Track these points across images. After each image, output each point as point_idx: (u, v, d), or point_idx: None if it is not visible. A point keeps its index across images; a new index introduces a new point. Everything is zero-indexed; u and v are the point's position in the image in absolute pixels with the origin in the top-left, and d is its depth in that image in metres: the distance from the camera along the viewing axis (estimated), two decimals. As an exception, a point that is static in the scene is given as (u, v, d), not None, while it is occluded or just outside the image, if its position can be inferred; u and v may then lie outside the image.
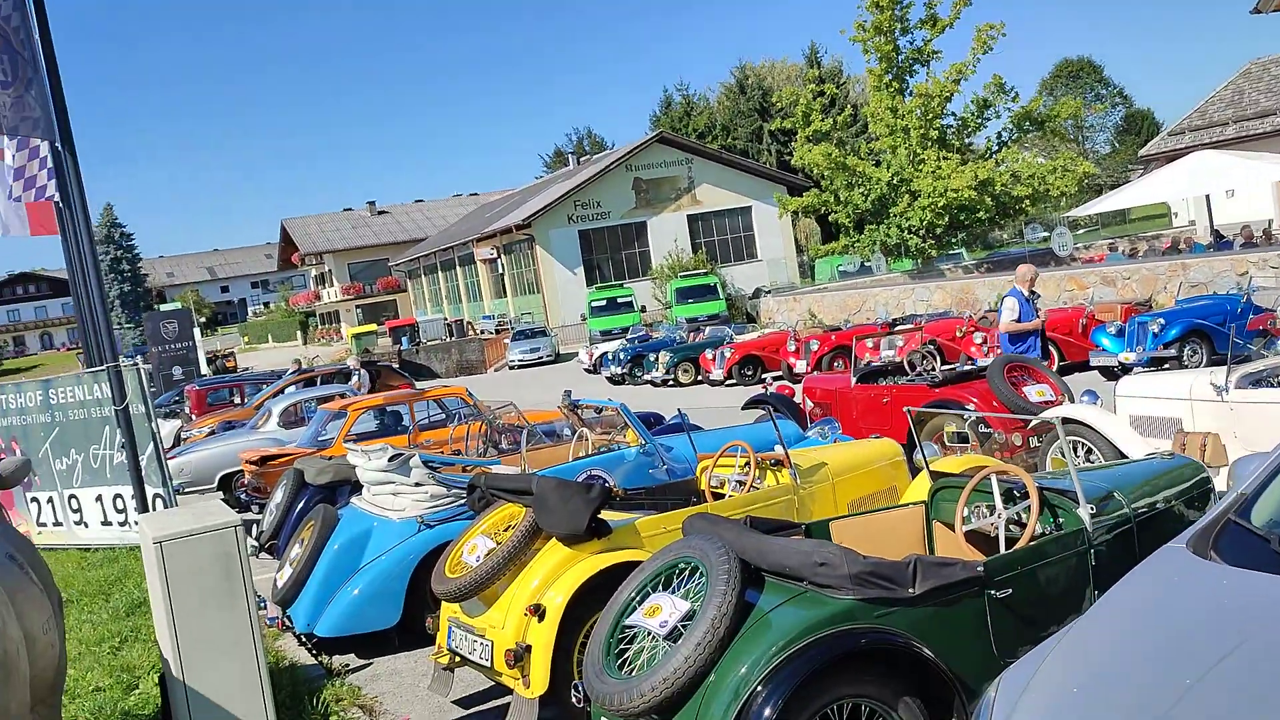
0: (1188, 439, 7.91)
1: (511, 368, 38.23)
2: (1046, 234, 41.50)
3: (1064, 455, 4.97)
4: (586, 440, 8.67)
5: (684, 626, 3.90)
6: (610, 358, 27.65)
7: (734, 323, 33.73)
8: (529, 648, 5.18)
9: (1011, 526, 4.56)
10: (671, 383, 24.42)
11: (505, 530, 5.78)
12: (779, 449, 6.27)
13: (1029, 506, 4.45)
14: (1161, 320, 15.65)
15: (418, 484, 7.37)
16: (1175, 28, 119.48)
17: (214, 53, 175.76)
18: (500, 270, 49.74)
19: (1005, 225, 34.79)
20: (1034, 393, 9.42)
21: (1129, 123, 79.77)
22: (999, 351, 10.68)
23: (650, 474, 8.06)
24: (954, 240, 32.18)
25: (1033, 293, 10.53)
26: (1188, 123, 32.45)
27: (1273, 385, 7.66)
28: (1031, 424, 8.52)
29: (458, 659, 5.76)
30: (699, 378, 24.18)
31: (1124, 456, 7.93)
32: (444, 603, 5.89)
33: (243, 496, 13.05)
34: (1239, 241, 25.34)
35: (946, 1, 30.58)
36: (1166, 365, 15.37)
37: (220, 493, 14.77)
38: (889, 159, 31.13)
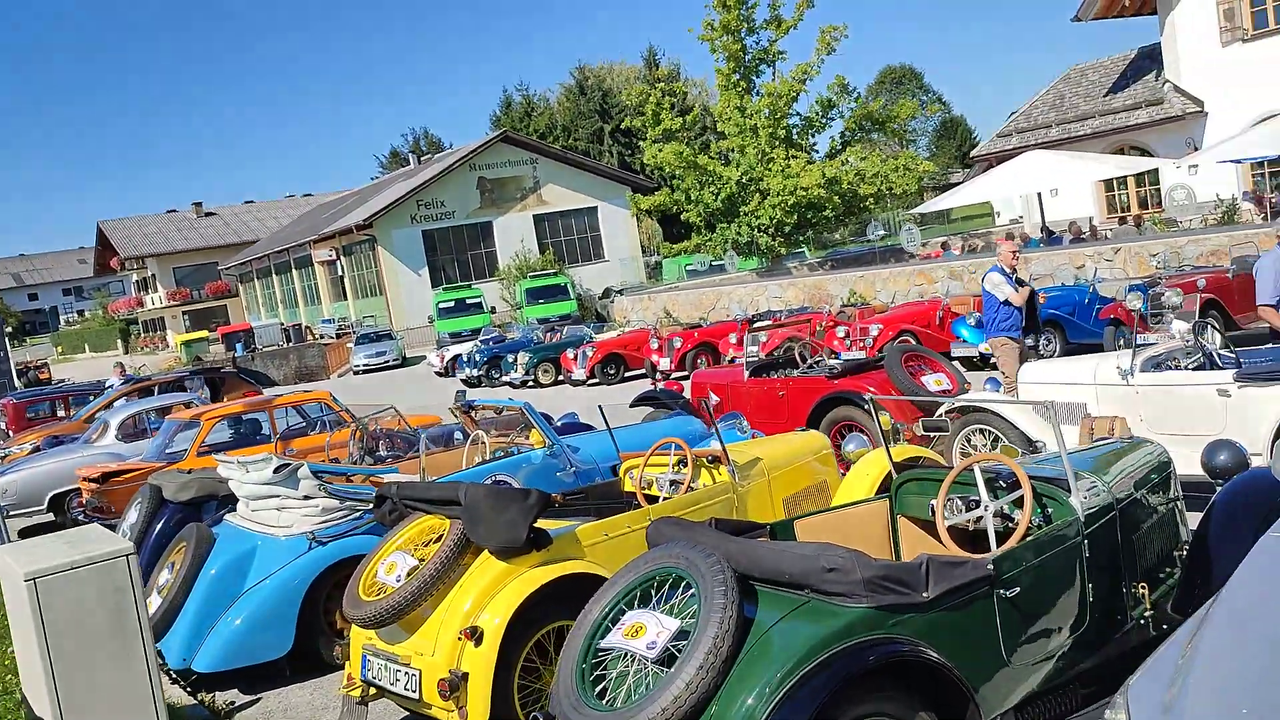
0: (1095, 423, 7.97)
1: (356, 373, 36.81)
2: (884, 232, 42.79)
3: (1034, 441, 4.75)
4: (482, 444, 8.11)
5: (676, 648, 3.47)
6: (466, 360, 26.86)
7: (584, 323, 33.36)
8: (465, 676, 4.65)
9: (995, 520, 4.31)
10: (531, 383, 23.88)
11: (425, 545, 5.22)
12: (716, 444, 5.90)
13: (1017, 498, 4.20)
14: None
15: (307, 497, 6.69)
16: (991, 38, 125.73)
17: (13, 42, 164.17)
18: (340, 272, 47.98)
19: (847, 224, 35.57)
20: (931, 382, 9.38)
21: (945, 129, 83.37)
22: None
23: (558, 477, 7.59)
24: (802, 238, 32.67)
25: (1013, 271, 10.15)
26: (1014, 125, 33.89)
27: (1172, 368, 7.77)
28: (940, 412, 8.44)
29: (373, 691, 5.16)
30: (559, 378, 23.73)
31: (1033, 443, 7.92)
32: (356, 629, 5.28)
33: (81, 518, 11.85)
34: (1068, 237, 26.52)
35: (790, 2, 31.03)
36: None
37: (51, 515, 13.46)
38: (738, 158, 31.35)
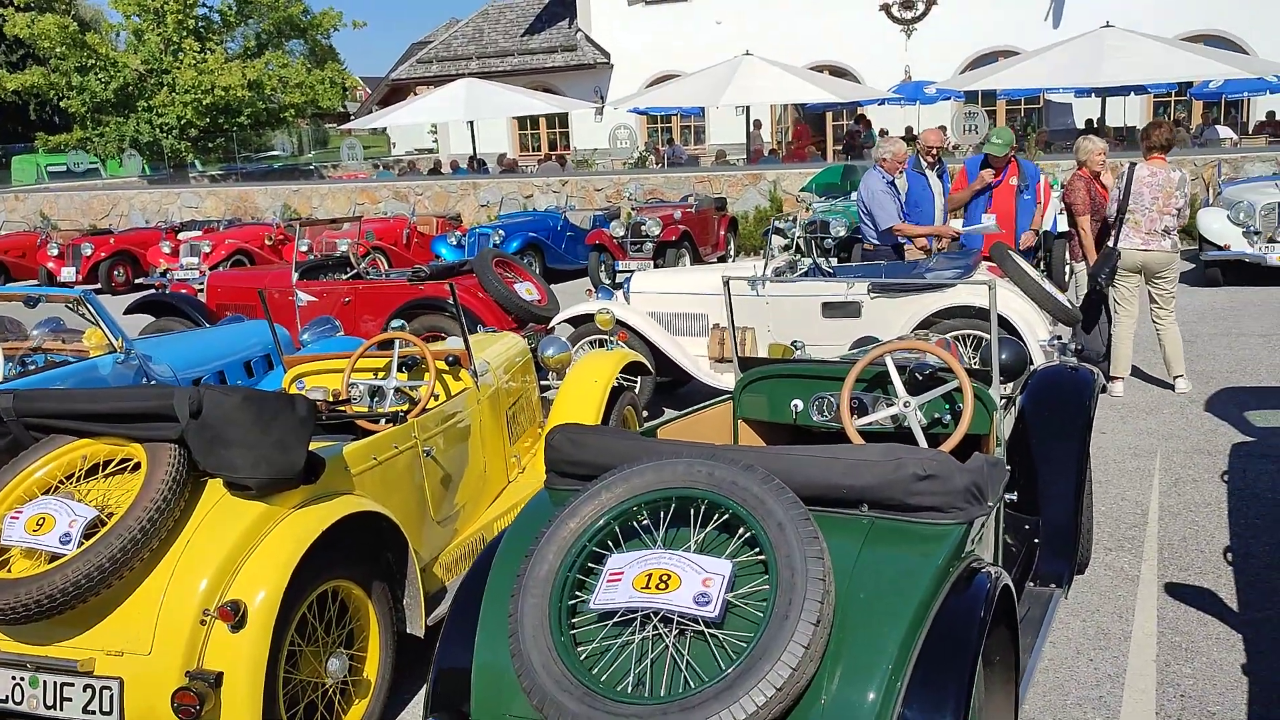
0: (725, 334, 7.83)
1: None
2: (280, 152, 40.12)
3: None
4: (-12, 350, 5.67)
5: (740, 602, 2.43)
6: None
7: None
8: (219, 678, 3.02)
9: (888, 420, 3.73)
10: None
11: (72, 480, 3.34)
12: (455, 341, 4.58)
13: (940, 393, 3.67)
14: (502, 232, 15.88)
15: None
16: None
17: None
18: None
19: (263, 134, 32.62)
20: (523, 290, 8.61)
21: (313, 56, 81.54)
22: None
23: (131, 394, 5.55)
24: (212, 144, 29.22)
25: (936, 161, 8.19)
26: (434, 52, 33.72)
27: (787, 280, 7.87)
28: (553, 324, 7.74)
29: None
30: (-94, 287, 18.75)
31: (660, 353, 7.58)
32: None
33: None
34: (497, 169, 27.06)
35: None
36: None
37: None
38: (134, 44, 27.10)
